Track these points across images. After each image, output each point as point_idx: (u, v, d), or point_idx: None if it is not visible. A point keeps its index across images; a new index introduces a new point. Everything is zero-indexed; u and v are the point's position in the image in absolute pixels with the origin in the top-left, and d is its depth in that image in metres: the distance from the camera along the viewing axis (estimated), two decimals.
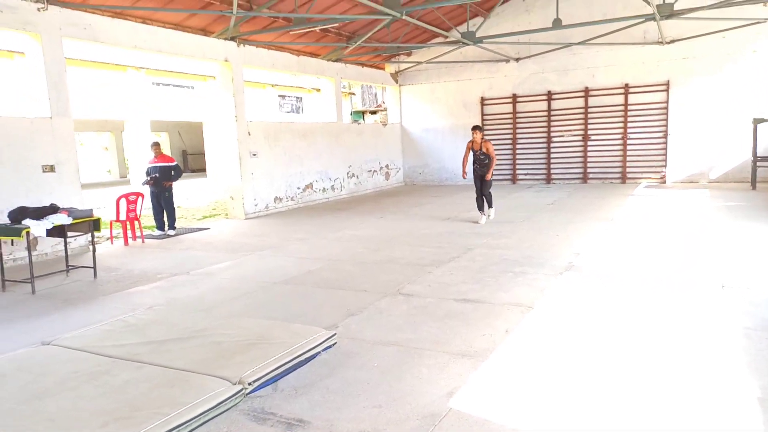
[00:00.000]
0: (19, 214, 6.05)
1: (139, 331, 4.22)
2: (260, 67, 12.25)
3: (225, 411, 3.09)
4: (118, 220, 8.80)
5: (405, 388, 3.35)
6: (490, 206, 9.32)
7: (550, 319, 4.49)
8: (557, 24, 11.04)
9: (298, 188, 13.08)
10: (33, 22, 7.60)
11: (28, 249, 6.04)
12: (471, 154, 9.04)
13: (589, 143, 14.80)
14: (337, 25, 12.09)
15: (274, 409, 3.15)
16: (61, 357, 3.79)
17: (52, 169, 7.90)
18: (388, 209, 11.81)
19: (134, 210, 8.97)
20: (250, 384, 3.28)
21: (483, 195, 9.15)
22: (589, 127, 14.75)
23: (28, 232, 5.84)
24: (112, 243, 8.86)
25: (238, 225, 10.59)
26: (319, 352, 3.87)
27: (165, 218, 9.61)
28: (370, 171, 16.08)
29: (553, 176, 15.39)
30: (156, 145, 9.67)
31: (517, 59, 15.19)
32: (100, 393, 3.19)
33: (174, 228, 9.66)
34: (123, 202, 8.79)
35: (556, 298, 5.04)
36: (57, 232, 6.15)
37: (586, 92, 14.61)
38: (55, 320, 5.04)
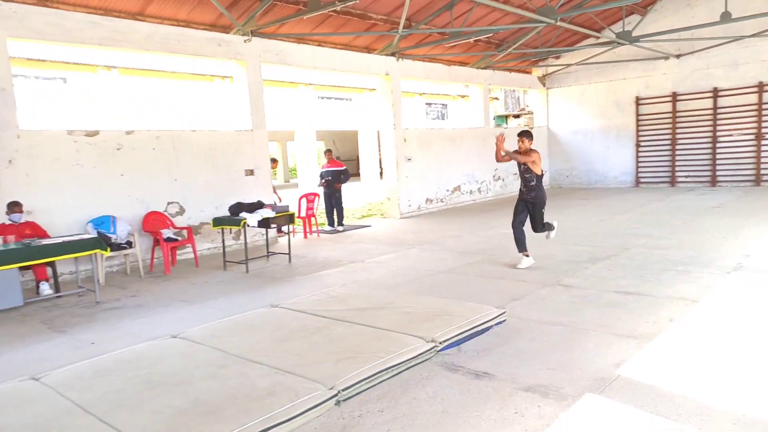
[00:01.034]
0: (237, 209, 7.54)
1: (341, 301, 5.20)
2: (415, 78, 13.24)
3: (422, 362, 3.84)
4: (299, 216, 10.25)
5: (574, 357, 3.83)
6: (549, 228, 7.07)
7: (716, 312, 4.62)
8: (726, 18, 10.45)
9: (447, 190, 13.83)
10: (241, 52, 9.28)
11: (244, 237, 7.49)
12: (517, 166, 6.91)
13: (764, 142, 13.54)
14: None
15: (462, 363, 3.83)
16: (288, 316, 4.87)
17: (251, 172, 9.53)
18: None
19: (312, 208, 10.37)
20: (440, 343, 4.00)
21: (534, 225, 6.82)
22: (764, 125, 13.50)
23: (245, 223, 7.27)
24: (293, 236, 10.34)
25: (395, 223, 11.60)
26: (492, 326, 4.48)
27: (335, 216, 10.92)
28: (516, 174, 16.28)
29: (719, 178, 14.31)
30: (329, 152, 11.06)
31: (678, 56, 14.42)
32: (326, 341, 4.14)
33: (342, 224, 10.95)
34: (303, 201, 10.23)
35: (723, 294, 5.10)
36: (263, 224, 7.53)
37: (760, 87, 13.40)
38: (269, 292, 6.28)
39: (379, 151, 14.94)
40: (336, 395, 3.26)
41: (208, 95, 13.52)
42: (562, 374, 3.55)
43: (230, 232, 8.35)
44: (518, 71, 16.44)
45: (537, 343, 4.16)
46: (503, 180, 15.79)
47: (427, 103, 22.37)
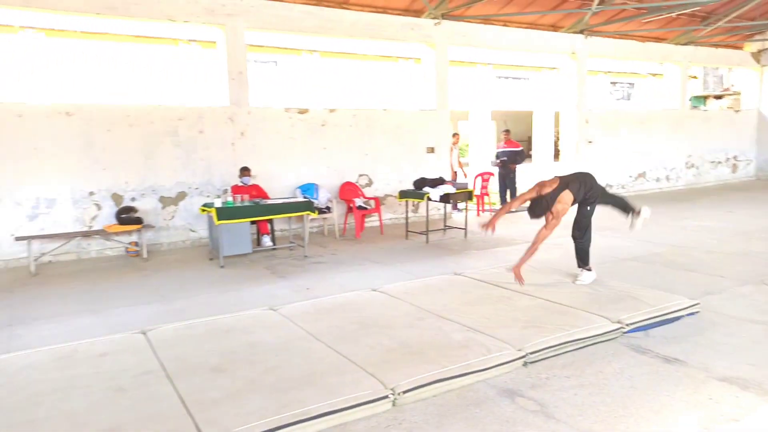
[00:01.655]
0: (421, 183, 8.13)
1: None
2: (603, 56, 12.58)
3: (607, 340, 3.96)
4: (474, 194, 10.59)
5: None
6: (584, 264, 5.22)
7: None
8: None
9: (630, 176, 13.02)
10: (431, 34, 9.78)
11: (426, 210, 8.07)
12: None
13: None
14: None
15: (650, 347, 3.86)
16: (471, 284, 5.27)
17: (432, 150, 10.08)
18: (738, 203, 10.82)
19: (486, 187, 10.63)
20: (627, 325, 4.06)
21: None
22: None
23: (428, 197, 7.83)
24: (467, 212, 10.73)
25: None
26: (683, 316, 4.38)
27: (507, 196, 11.04)
28: (713, 162, 14.65)
29: None
30: (506, 132, 11.15)
31: None
32: (510, 309, 4.45)
33: None
34: (479, 180, 10.53)
35: None
36: (444, 198, 8.01)
37: None
38: (449, 261, 6.75)
39: (556, 132, 14.53)
40: (524, 356, 3.58)
41: (393, 76, 14.39)
42: (765, 371, 3.42)
43: (413, 204, 9.02)
44: (726, 47, 14.59)
45: (735, 338, 3.99)
46: (697, 168, 14.31)
47: (612, 82, 20.91)
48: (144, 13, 7.31)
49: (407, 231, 8.40)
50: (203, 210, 7.11)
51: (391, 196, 9.55)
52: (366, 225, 9.17)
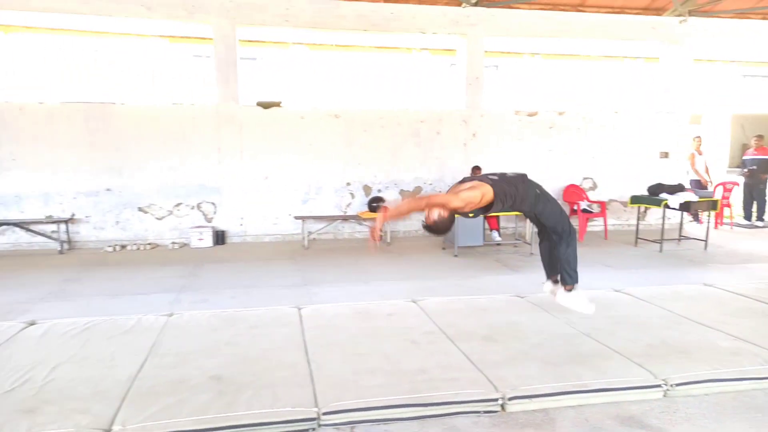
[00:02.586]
0: (657, 189, 7.79)
1: None
2: None
3: None
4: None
5: None
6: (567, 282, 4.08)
7: None
8: None
9: None
10: (674, 33, 9.23)
11: (663, 218, 7.71)
12: None
13: None
14: None
15: None
16: (727, 296, 5.01)
17: (666, 155, 9.51)
18: None
19: (727, 198, 9.66)
20: None
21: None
22: None
23: (666, 204, 7.49)
24: (700, 223, 9.89)
25: None
26: None
27: (754, 209, 9.86)
28: None
29: None
30: (758, 138, 9.96)
31: None
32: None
33: (762, 220, 9.80)
34: (719, 189, 9.61)
35: None
36: (684, 207, 7.56)
37: None
38: (691, 273, 6.40)
39: None
40: None
41: (621, 76, 13.77)
42: None
43: (642, 211, 8.68)
44: None
45: None
46: None
47: None
48: (401, 27, 8.34)
49: (637, 237, 8.13)
50: None
51: (616, 201, 9.29)
52: (588, 229, 9.08)
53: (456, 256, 7.26)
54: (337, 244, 8.19)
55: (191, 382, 3.15)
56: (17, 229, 7.47)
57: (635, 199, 8.07)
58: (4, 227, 7.44)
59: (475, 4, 8.56)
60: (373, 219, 8.09)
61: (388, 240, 8.20)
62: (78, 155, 7.58)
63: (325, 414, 2.81)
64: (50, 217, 7.53)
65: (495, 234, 7.95)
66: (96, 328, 4.05)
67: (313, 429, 2.78)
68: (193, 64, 11.30)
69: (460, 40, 8.75)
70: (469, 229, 7.33)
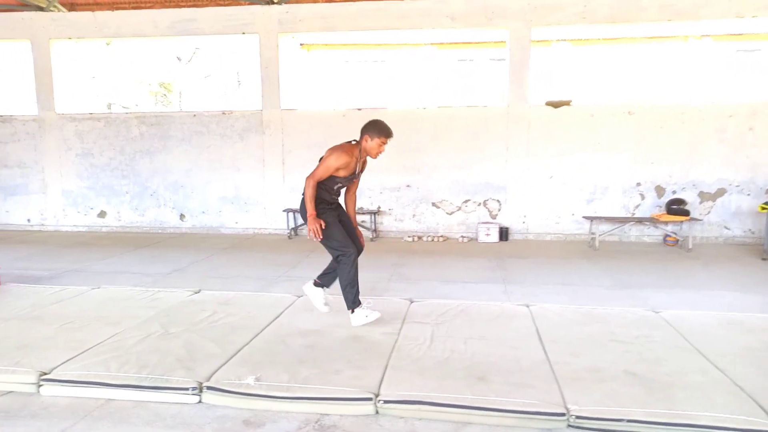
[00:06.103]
0: None
1: None
2: None
3: None
4: None
5: None
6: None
7: None
8: None
9: None
10: None
11: None
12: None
13: None
14: None
15: None
16: None
17: None
18: None
19: None
20: None
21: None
22: None
23: None
24: None
25: None
26: None
27: None
28: None
29: None
30: None
31: None
32: None
33: None
34: None
35: None
36: None
37: None
38: None
39: None
40: None
41: None
42: None
43: None
44: None
45: None
46: None
47: None
48: (714, 13, 7.59)
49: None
50: (763, 208, 6.99)
51: None
52: None
53: None
54: (625, 247, 7.83)
55: (605, 373, 3.29)
56: None
57: None
58: None
59: None
60: (674, 222, 7.61)
61: (689, 246, 7.57)
62: (388, 155, 8.52)
63: None
64: (361, 208, 8.65)
65: None
66: (469, 310, 4.51)
67: None
68: (457, 68, 11.91)
69: None
70: None
